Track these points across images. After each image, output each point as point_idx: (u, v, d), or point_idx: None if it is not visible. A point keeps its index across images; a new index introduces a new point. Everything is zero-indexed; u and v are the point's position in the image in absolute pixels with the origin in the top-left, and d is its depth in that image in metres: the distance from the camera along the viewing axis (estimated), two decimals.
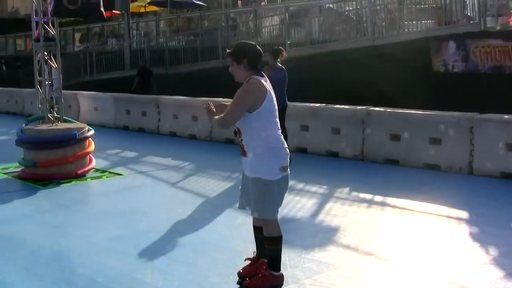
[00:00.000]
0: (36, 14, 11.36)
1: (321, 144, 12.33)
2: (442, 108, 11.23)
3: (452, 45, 14.18)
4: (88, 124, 16.37)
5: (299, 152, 12.58)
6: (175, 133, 15.86)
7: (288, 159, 5.32)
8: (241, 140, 5.30)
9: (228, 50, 5.41)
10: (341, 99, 13.11)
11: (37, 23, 11.42)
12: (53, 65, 11.59)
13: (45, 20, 11.38)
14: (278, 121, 5.33)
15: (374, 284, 5.61)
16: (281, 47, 11.04)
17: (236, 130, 5.37)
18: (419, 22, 16.28)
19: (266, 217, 5.31)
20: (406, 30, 16.20)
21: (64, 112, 17.69)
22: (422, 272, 5.84)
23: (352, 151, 11.78)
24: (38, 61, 11.58)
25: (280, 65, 10.75)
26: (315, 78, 16.50)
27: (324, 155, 12.20)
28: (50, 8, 11.25)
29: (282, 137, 5.33)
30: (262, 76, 5.29)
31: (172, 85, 19.88)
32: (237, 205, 5.69)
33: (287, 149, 5.33)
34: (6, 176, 11.04)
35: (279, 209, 5.38)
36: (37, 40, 11.48)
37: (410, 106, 11.55)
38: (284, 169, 5.25)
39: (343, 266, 6.06)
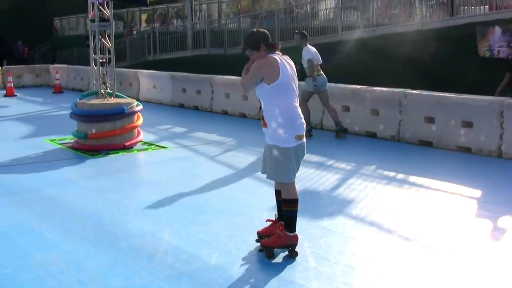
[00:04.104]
0: None
1: (361, 124, 12.74)
2: (486, 93, 11.46)
3: (498, 30, 14.27)
4: (147, 102, 17.36)
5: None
6: (227, 112, 16.49)
7: (304, 129, 5.84)
8: (262, 111, 5.88)
9: (243, 46, 5.99)
10: (385, 82, 13.44)
11: (93, 4, 12.22)
12: (107, 44, 12.37)
13: (100, 2, 12.17)
14: (296, 94, 5.85)
15: (367, 249, 6.08)
16: None
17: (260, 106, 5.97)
18: (471, 7, 16.35)
19: (283, 181, 5.86)
20: (457, 15, 16.30)
21: (125, 90, 18.73)
22: (419, 245, 6.24)
23: (389, 132, 12.15)
24: (93, 39, 12.37)
25: None
26: (362, 61, 16.85)
27: (363, 135, 12.60)
28: None
29: (299, 110, 5.85)
30: (280, 54, 5.86)
31: (230, 65, 20.50)
32: (261, 172, 6.24)
33: (303, 120, 5.86)
34: (61, 146, 11.96)
35: (301, 178, 5.92)
36: (92, 20, 12.29)
37: (455, 90, 11.78)
38: (299, 137, 5.78)
39: (345, 233, 6.57)
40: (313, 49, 12.41)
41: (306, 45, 12.35)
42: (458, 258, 5.84)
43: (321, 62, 12.39)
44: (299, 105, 5.91)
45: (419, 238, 6.37)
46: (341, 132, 12.44)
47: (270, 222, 6.24)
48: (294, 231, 5.90)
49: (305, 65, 12.23)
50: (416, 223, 6.90)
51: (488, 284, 5.26)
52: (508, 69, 12.43)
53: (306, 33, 12.95)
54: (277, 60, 5.76)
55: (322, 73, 12.38)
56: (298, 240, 5.92)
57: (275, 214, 6.26)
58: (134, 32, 29.86)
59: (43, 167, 10.08)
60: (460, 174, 9.16)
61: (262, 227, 6.25)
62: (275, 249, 5.88)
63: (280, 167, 5.79)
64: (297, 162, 5.87)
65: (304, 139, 5.85)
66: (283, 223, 6.02)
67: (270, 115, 5.77)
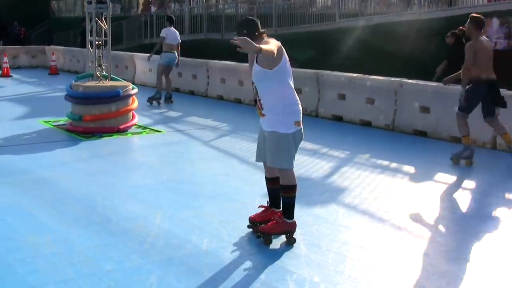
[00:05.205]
0: None
1: (356, 113, 12.74)
2: None
3: (496, 22, 14.24)
4: (142, 85, 17.31)
5: (335, 120, 13.04)
6: (222, 97, 16.47)
7: (301, 115, 5.83)
8: (259, 100, 5.83)
9: (243, 33, 5.86)
10: (381, 71, 13.42)
11: None
12: (103, 26, 12.31)
13: None
14: (292, 80, 5.82)
15: (359, 237, 6.09)
16: None
17: (256, 98, 5.91)
18: None
19: (283, 167, 5.84)
20: (456, 5, 16.28)
21: (121, 73, 18.65)
22: (411, 234, 6.24)
23: (384, 121, 12.15)
24: (90, 21, 12.32)
25: None
26: (359, 49, 16.83)
27: (358, 124, 12.59)
28: None
29: (296, 95, 5.84)
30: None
31: (227, 51, 20.40)
32: (256, 161, 6.25)
33: (300, 107, 5.84)
34: (55, 128, 11.94)
35: (295, 165, 5.89)
36: (89, 2, 12.24)
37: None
38: (297, 123, 5.77)
39: (337, 221, 6.57)
40: (172, 30, 15.27)
41: (170, 26, 15.35)
42: (450, 248, 5.85)
43: (175, 43, 15.14)
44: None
45: (411, 228, 6.38)
46: (168, 100, 15.55)
47: (262, 208, 6.25)
48: (293, 217, 5.89)
49: (173, 42, 15.06)
50: (408, 213, 6.90)
51: (479, 274, 5.28)
52: (447, 58, 12.50)
53: (173, 18, 16.47)
54: (279, 43, 5.71)
55: (175, 51, 15.15)
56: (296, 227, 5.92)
57: (267, 201, 6.26)
58: (153, 10, 29.45)
59: (37, 149, 10.05)
60: (454, 165, 9.16)
61: (255, 213, 6.25)
62: (272, 236, 5.88)
63: (280, 153, 5.77)
64: (296, 148, 5.87)
65: (302, 125, 5.84)
66: (275, 209, 6.03)
67: (270, 100, 5.73)
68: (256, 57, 5.75)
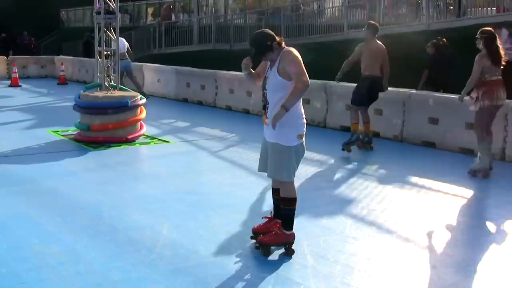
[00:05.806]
0: None
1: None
2: None
3: (505, 33, 14.20)
4: (151, 95, 17.38)
5: (344, 131, 13.00)
6: (230, 107, 16.48)
7: (305, 129, 5.82)
8: (267, 107, 5.81)
9: (253, 53, 5.79)
10: (390, 82, 13.37)
11: None
12: (112, 36, 12.36)
13: None
14: None
15: (366, 249, 6.06)
16: None
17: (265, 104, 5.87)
18: (478, 9, 16.33)
19: (283, 179, 5.83)
20: (465, 16, 16.26)
21: (129, 83, 18.68)
22: (418, 246, 6.22)
23: (392, 132, 12.12)
24: (99, 32, 12.36)
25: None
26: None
27: None
28: None
29: (302, 109, 5.84)
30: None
31: (235, 61, 20.42)
32: (258, 170, 6.22)
33: (305, 120, 5.84)
34: (63, 138, 11.96)
35: (302, 175, 5.88)
36: (98, 13, 12.29)
37: (459, 92, 11.69)
38: (300, 137, 5.77)
39: (345, 232, 6.54)
40: (124, 40, 17.30)
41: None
42: (458, 260, 5.82)
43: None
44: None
45: (418, 239, 6.35)
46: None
47: (266, 219, 6.22)
48: (292, 229, 5.88)
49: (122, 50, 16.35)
50: (416, 224, 6.87)
51: (487, 287, 5.24)
52: (428, 67, 13.11)
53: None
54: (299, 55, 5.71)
55: (128, 57, 17.64)
56: (296, 238, 5.90)
57: (271, 212, 6.24)
58: (173, 17, 29.43)
59: (45, 158, 10.08)
60: (462, 176, 9.11)
61: (259, 224, 6.24)
62: (271, 247, 5.86)
63: (281, 166, 5.77)
64: (297, 161, 5.85)
65: (304, 139, 5.83)
66: (279, 221, 6.01)
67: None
68: (277, 66, 5.71)
